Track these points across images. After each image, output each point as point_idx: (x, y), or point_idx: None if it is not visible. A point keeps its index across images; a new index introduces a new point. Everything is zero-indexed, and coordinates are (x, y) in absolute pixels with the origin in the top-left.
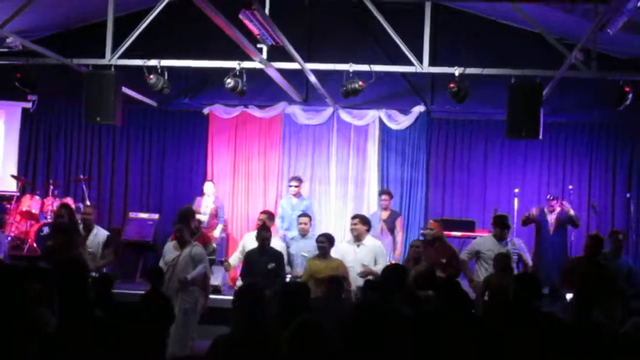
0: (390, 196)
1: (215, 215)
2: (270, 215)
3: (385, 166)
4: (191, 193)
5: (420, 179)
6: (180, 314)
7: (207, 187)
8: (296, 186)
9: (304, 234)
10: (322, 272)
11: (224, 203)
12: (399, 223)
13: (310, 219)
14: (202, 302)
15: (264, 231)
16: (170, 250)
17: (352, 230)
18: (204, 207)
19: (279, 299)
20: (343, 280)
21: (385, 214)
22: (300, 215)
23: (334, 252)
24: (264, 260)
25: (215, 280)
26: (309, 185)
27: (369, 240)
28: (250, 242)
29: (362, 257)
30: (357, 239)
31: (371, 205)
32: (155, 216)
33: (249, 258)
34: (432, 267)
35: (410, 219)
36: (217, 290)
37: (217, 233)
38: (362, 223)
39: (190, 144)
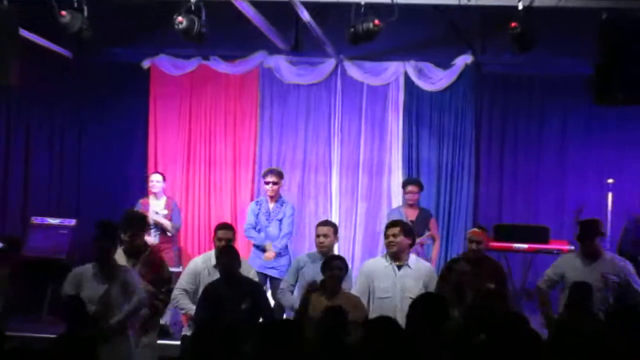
0: (420, 188)
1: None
2: (231, 232)
3: (413, 145)
4: (125, 188)
5: (465, 163)
6: None
7: (154, 181)
8: (274, 183)
9: (322, 252)
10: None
11: (177, 204)
12: (433, 226)
13: (335, 230)
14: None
15: (227, 255)
16: (88, 279)
17: (389, 244)
18: (154, 214)
19: (256, 345)
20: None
21: (412, 213)
22: (318, 224)
23: (360, 274)
24: (232, 297)
25: (164, 319)
26: (301, 175)
27: (413, 260)
28: (204, 270)
29: (406, 284)
30: (397, 257)
31: (394, 204)
32: (71, 222)
33: (210, 293)
34: (484, 298)
35: (450, 223)
36: (165, 332)
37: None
38: (404, 233)
39: (123, 114)
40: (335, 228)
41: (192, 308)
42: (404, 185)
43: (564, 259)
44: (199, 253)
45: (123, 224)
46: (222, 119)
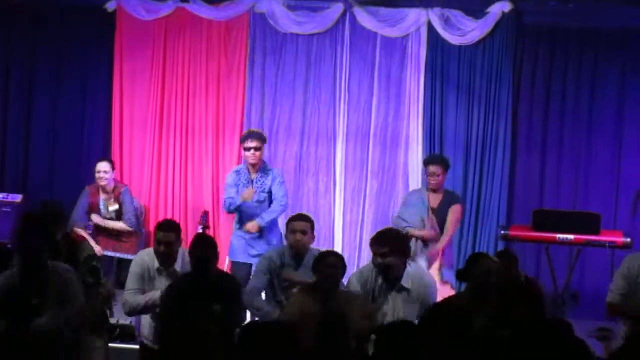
0: (445, 168)
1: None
2: (173, 233)
3: (436, 112)
4: (82, 158)
5: (500, 135)
6: None
7: (101, 172)
8: (256, 149)
9: (298, 251)
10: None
11: (127, 187)
12: (453, 213)
13: (312, 227)
14: None
15: (200, 244)
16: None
17: (378, 266)
18: (102, 216)
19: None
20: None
21: (434, 199)
22: (292, 219)
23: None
24: (205, 298)
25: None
26: (298, 147)
27: (411, 275)
28: (152, 267)
29: (399, 309)
30: (386, 278)
31: (412, 184)
32: (16, 198)
33: (175, 292)
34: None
35: (480, 208)
36: (127, 334)
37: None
38: (395, 254)
39: (83, 68)
40: (312, 224)
41: (152, 296)
42: (426, 163)
43: (632, 260)
44: None
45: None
46: (203, 75)
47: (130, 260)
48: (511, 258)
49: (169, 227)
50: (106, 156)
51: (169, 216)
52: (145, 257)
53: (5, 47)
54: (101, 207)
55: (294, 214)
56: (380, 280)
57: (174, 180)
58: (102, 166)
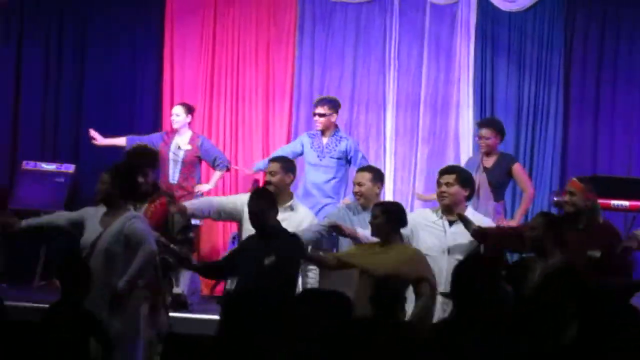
0: (496, 130)
1: (193, 164)
2: (285, 163)
3: (486, 78)
4: (133, 127)
5: (552, 101)
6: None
7: (173, 115)
8: (325, 115)
9: (364, 203)
10: (377, 270)
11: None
12: (518, 172)
13: (376, 177)
14: (154, 327)
15: (255, 200)
16: (92, 221)
17: (440, 195)
18: (174, 151)
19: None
20: (418, 283)
21: (488, 161)
22: (358, 170)
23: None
24: (259, 251)
25: (179, 286)
26: (348, 114)
27: (470, 215)
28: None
29: (457, 244)
30: (449, 210)
31: (463, 149)
32: (69, 168)
33: (242, 249)
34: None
35: (533, 176)
36: (180, 303)
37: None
38: (460, 183)
39: (134, 36)
40: (375, 175)
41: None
42: (479, 126)
43: None
44: None
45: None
46: (253, 42)
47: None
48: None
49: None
50: (157, 124)
51: (218, 185)
52: (243, 200)
53: (58, 12)
54: (171, 146)
55: None
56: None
57: (224, 148)
58: (176, 109)
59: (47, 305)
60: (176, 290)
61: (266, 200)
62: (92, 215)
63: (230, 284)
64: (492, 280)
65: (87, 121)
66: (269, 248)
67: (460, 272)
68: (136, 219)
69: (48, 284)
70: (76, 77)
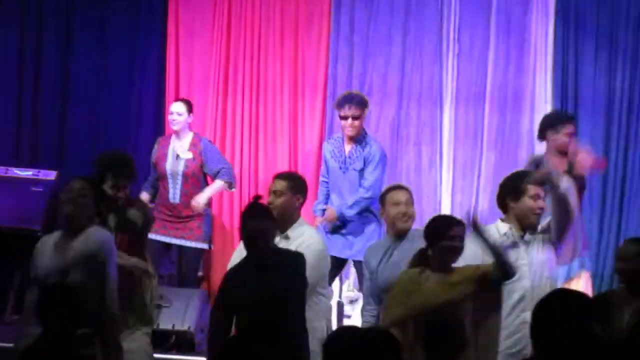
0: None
1: (197, 178)
2: (294, 182)
3: (569, 67)
4: (130, 129)
5: None
6: None
7: (174, 113)
8: (355, 118)
9: (400, 230)
10: (438, 299)
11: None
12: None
13: (410, 196)
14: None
15: (250, 214)
16: (48, 245)
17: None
18: (172, 162)
19: None
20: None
21: (562, 164)
22: (391, 189)
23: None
24: (256, 280)
25: (183, 319)
26: (395, 110)
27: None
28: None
29: (540, 260)
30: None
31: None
32: (50, 175)
33: (231, 282)
34: None
35: (626, 181)
36: (187, 343)
37: None
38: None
39: (131, 19)
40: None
41: None
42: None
43: None
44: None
45: (98, 168)
46: (278, 24)
47: (195, 250)
48: None
49: (290, 175)
50: (159, 126)
51: (235, 196)
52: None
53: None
54: (169, 155)
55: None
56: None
57: (242, 152)
58: (176, 106)
59: (21, 345)
60: (179, 326)
61: (269, 220)
62: (44, 243)
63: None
64: (581, 319)
65: (73, 120)
66: (269, 278)
67: (543, 309)
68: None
69: (24, 318)
70: (60, 67)
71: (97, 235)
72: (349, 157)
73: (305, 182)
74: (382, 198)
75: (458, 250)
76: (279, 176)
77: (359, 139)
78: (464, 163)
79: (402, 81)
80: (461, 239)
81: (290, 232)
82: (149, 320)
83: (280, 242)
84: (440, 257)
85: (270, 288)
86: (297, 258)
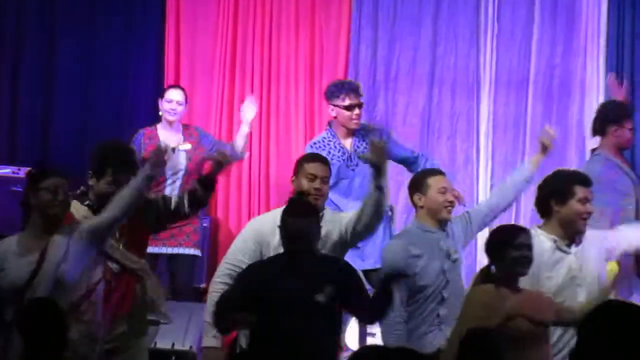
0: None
1: (199, 166)
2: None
3: (625, 50)
4: (124, 122)
5: None
6: None
7: (174, 102)
8: (360, 106)
9: (444, 220)
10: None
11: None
12: None
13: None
14: None
15: (296, 212)
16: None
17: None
18: (169, 156)
19: None
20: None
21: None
22: (433, 173)
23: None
24: (299, 284)
25: (184, 338)
26: (426, 99)
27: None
28: (271, 238)
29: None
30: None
31: (587, 148)
32: None
33: (257, 281)
34: None
35: None
36: (186, 358)
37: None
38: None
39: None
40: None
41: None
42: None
43: None
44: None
45: (96, 160)
46: (292, 6)
47: (192, 258)
48: None
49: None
50: (158, 118)
51: (243, 196)
52: (267, 221)
53: None
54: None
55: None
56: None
57: (251, 147)
58: (175, 94)
59: None
60: (182, 346)
61: (315, 220)
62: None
63: (244, 339)
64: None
65: (58, 112)
66: (315, 280)
67: (591, 324)
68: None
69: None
70: (42, 54)
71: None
72: (356, 149)
73: None
74: (420, 182)
75: (528, 260)
76: (319, 158)
77: (359, 130)
78: (504, 159)
79: (433, 66)
80: (529, 247)
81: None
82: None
83: None
84: (509, 270)
85: (303, 298)
86: (347, 269)
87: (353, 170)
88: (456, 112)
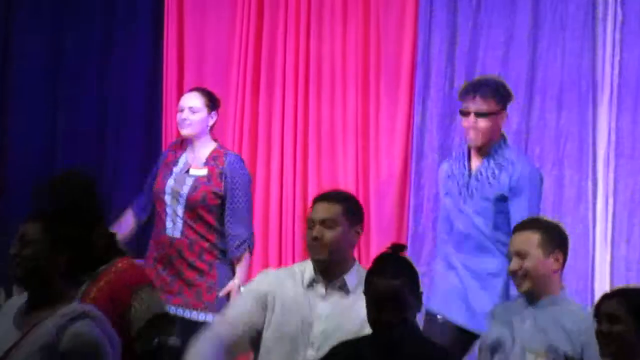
0: None
1: (207, 207)
2: (351, 205)
3: None
4: (111, 135)
5: None
6: None
7: (186, 109)
8: (480, 115)
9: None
10: None
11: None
12: None
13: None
14: None
15: (384, 278)
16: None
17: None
18: (176, 177)
19: None
20: None
21: None
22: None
23: None
24: None
25: None
26: (522, 113)
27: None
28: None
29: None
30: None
31: None
32: None
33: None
34: None
35: None
36: None
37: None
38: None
39: None
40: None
41: None
42: None
43: None
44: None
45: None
46: None
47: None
48: None
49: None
50: (155, 131)
51: (273, 235)
52: (278, 274)
53: None
54: (173, 169)
55: None
56: None
57: (283, 173)
58: (188, 100)
59: None
60: None
61: (407, 282)
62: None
63: None
64: None
65: (18, 138)
66: None
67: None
68: (83, 321)
69: None
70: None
71: (76, 326)
72: (475, 178)
73: (362, 206)
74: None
75: (609, 338)
76: (327, 197)
77: (491, 150)
78: (632, 194)
79: (533, 72)
80: (614, 318)
81: (348, 283)
82: None
83: (332, 295)
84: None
85: None
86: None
87: (463, 201)
88: (564, 129)
